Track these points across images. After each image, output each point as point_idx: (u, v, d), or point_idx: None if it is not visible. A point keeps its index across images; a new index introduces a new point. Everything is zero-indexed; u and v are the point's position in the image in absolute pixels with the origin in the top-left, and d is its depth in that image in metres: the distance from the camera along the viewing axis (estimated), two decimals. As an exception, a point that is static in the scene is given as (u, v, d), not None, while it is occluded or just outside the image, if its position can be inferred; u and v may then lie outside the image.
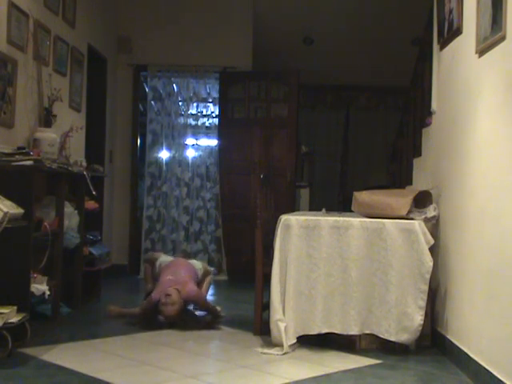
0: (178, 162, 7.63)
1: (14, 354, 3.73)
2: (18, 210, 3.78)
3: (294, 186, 7.35)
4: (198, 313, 5.05)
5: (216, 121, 7.76)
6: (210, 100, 7.93)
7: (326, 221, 4.20)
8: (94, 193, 5.17)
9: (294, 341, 4.09)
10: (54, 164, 4.43)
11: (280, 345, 4.04)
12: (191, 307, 5.08)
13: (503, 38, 3.16)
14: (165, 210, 7.60)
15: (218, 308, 4.93)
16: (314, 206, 7.39)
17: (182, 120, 7.72)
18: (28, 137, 4.74)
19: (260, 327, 4.46)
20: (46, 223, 4.28)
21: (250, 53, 7.55)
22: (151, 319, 4.78)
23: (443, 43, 4.41)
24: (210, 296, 6.29)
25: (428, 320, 4.16)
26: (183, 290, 4.70)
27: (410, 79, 6.07)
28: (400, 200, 4.24)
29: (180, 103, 7.79)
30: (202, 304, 4.88)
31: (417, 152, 5.35)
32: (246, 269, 6.09)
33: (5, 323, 3.62)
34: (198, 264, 5.27)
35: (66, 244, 4.76)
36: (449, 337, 4.01)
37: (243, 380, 3.49)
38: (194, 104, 7.83)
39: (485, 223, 3.43)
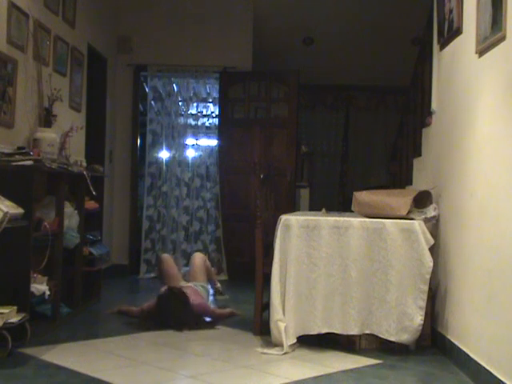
0: (178, 162, 7.63)
1: (14, 354, 3.73)
2: (18, 210, 3.78)
3: (294, 186, 7.35)
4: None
5: (216, 121, 7.76)
6: (210, 100, 7.93)
7: (326, 221, 4.20)
8: (93, 193, 5.17)
9: (294, 341, 4.09)
10: (54, 164, 4.43)
11: (280, 345, 4.04)
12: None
13: (503, 38, 3.16)
14: (165, 209, 7.60)
15: (228, 310, 4.95)
16: (314, 206, 7.39)
17: (182, 120, 7.71)
18: (28, 137, 4.74)
19: (260, 327, 4.46)
20: (45, 223, 4.28)
21: (250, 53, 7.55)
22: (156, 319, 4.78)
23: (443, 43, 4.41)
24: (209, 296, 6.29)
25: (428, 320, 4.16)
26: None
27: (410, 79, 6.07)
28: (400, 200, 4.24)
29: (180, 103, 7.79)
30: (211, 314, 4.90)
31: (417, 152, 5.35)
32: (245, 269, 6.09)
33: (5, 323, 3.62)
34: (202, 287, 5.27)
35: (65, 244, 4.75)
36: (449, 337, 4.01)
37: (243, 380, 3.50)
38: (194, 104, 7.83)
39: (485, 223, 3.43)
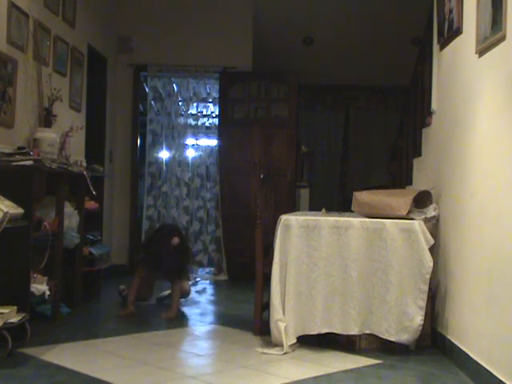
0: (178, 162, 7.63)
1: (14, 354, 3.73)
2: (18, 210, 3.78)
3: (294, 186, 7.35)
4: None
5: (216, 121, 7.76)
6: (210, 100, 7.94)
7: (326, 221, 4.19)
8: (93, 193, 5.17)
9: (294, 341, 4.09)
10: (54, 164, 4.43)
11: (280, 345, 4.04)
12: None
13: (503, 38, 3.16)
14: (165, 209, 7.60)
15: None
16: (314, 206, 7.39)
17: (181, 120, 7.72)
18: (28, 137, 4.74)
19: (260, 327, 4.45)
20: (45, 223, 4.28)
21: (250, 53, 7.55)
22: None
23: (443, 43, 4.41)
24: (209, 296, 6.31)
25: (428, 320, 4.16)
26: None
27: (410, 79, 6.07)
28: (400, 200, 4.24)
29: (180, 103, 7.79)
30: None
31: (417, 152, 5.35)
32: (245, 269, 6.10)
33: (5, 323, 3.62)
34: None
35: (65, 244, 4.75)
36: (449, 337, 4.01)
37: (243, 380, 3.49)
38: (194, 104, 7.83)
39: (485, 223, 3.43)
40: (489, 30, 3.34)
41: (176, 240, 5.24)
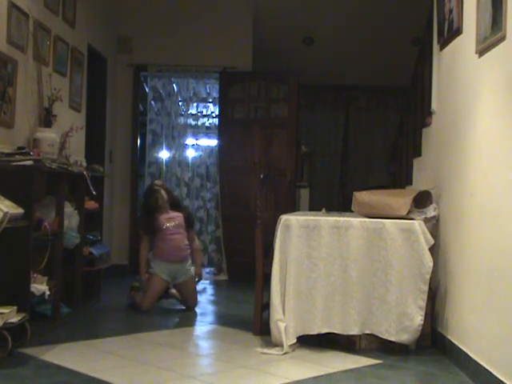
0: (178, 162, 7.64)
1: (14, 354, 3.73)
2: (18, 210, 3.78)
3: (294, 186, 7.35)
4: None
5: (216, 121, 7.77)
6: (210, 100, 7.94)
7: (326, 221, 4.19)
8: (93, 193, 5.17)
9: (294, 341, 4.09)
10: (54, 164, 4.43)
11: (280, 345, 4.04)
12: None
13: (503, 38, 3.16)
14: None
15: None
16: (314, 206, 7.39)
17: (182, 120, 7.72)
18: (28, 137, 4.74)
19: (260, 327, 4.45)
20: (46, 223, 4.28)
21: (250, 53, 7.55)
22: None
23: (443, 43, 4.41)
24: (209, 296, 6.31)
25: (428, 320, 4.15)
26: None
27: (410, 79, 6.07)
28: (400, 200, 4.24)
29: (180, 103, 7.79)
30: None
31: (417, 152, 5.35)
32: (245, 269, 6.10)
33: (5, 323, 3.62)
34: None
35: (66, 244, 4.76)
36: (449, 337, 4.01)
37: (243, 380, 3.49)
38: (194, 104, 7.84)
39: (484, 223, 3.43)
40: (489, 30, 3.34)
41: (158, 182, 5.83)
